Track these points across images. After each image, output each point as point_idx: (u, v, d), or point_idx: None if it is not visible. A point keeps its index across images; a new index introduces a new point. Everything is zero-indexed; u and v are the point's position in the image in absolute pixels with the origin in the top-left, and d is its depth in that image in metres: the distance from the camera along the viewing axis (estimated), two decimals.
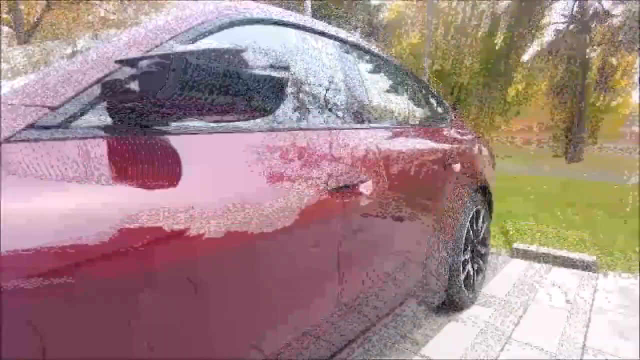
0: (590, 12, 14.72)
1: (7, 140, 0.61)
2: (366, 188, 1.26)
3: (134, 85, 0.73)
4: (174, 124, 0.82)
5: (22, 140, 0.63)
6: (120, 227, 0.66)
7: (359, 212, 1.25)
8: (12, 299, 0.53)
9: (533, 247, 3.27)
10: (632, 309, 2.30)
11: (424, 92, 2.23)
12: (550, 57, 15.06)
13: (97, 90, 0.73)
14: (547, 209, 5.41)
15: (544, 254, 3.16)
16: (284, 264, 0.99)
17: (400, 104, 1.91)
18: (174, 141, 0.81)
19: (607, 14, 14.43)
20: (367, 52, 1.69)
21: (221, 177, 0.87)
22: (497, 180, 2.82)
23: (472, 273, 2.31)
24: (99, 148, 0.71)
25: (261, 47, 1.10)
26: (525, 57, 16.26)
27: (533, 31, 15.22)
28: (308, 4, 7.31)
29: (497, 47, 16.99)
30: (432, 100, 2.29)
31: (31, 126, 0.64)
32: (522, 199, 6.07)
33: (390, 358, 1.74)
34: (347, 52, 1.50)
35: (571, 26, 15.22)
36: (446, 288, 2.04)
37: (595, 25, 14.95)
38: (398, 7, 18.59)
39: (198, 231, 0.76)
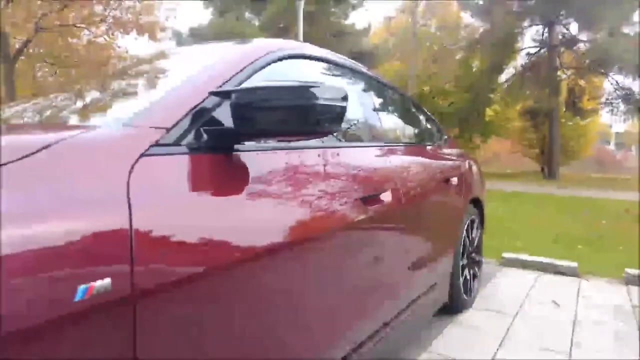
0: (560, 37, 15.64)
1: (142, 155, 0.78)
2: (389, 197, 1.47)
3: (224, 112, 0.92)
4: (255, 144, 1.02)
5: (150, 155, 0.80)
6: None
7: (385, 216, 1.45)
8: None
9: (522, 256, 3.51)
10: (612, 308, 2.54)
11: (425, 117, 2.48)
12: (523, 80, 15.83)
13: (194, 114, 0.92)
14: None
15: (531, 261, 3.41)
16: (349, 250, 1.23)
17: (409, 127, 2.15)
18: (257, 156, 1.01)
19: (575, 39, 15.35)
20: (380, 83, 1.93)
21: (302, 183, 1.09)
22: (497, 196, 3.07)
23: (469, 278, 2.51)
24: (203, 162, 0.89)
25: (325, 81, 1.30)
26: (502, 79, 17.02)
27: (507, 56, 16.01)
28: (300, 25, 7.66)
29: (474, 70, 17.79)
30: (431, 124, 2.54)
31: (155, 144, 0.82)
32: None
33: (400, 358, 1.91)
34: (367, 84, 1.74)
35: (542, 50, 16.09)
36: (449, 291, 2.23)
37: (564, 50, 15.86)
38: (381, 32, 19.34)
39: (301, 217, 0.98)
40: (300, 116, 0.87)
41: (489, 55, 15.79)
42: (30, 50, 13.71)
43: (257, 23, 15.52)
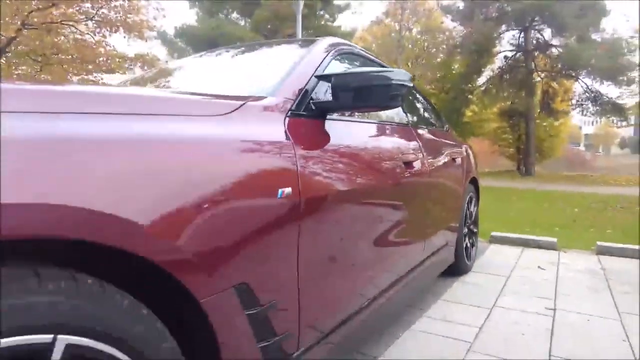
0: (534, 42, 16.50)
1: (286, 115, 1.14)
2: (415, 165, 1.87)
3: (320, 91, 1.29)
4: (338, 115, 1.39)
5: (288, 116, 1.16)
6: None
7: (412, 180, 1.85)
8: None
9: (508, 234, 3.98)
10: (586, 270, 3.01)
11: (432, 107, 2.91)
12: (501, 82, 16.63)
13: (305, 91, 1.28)
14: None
15: (517, 238, 3.88)
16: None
17: (426, 113, 2.56)
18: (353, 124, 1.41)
19: (548, 44, 16.24)
20: None
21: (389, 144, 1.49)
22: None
23: (468, 246, 2.94)
24: (312, 124, 1.26)
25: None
26: (481, 81, 17.80)
27: (485, 58, 16.78)
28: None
29: (454, 72, 18.53)
30: (437, 113, 2.97)
31: (289, 109, 1.18)
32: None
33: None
34: None
35: (518, 54, 16.95)
36: (455, 252, 2.65)
37: (538, 54, 16.75)
38: (366, 35, 19.89)
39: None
40: (379, 92, 1.24)
41: (469, 58, 16.51)
42: (14, 48, 13.56)
43: (243, 23, 15.78)
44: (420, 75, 20.54)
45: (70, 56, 13.62)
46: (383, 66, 2.14)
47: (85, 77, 15.22)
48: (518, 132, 18.90)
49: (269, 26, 14.01)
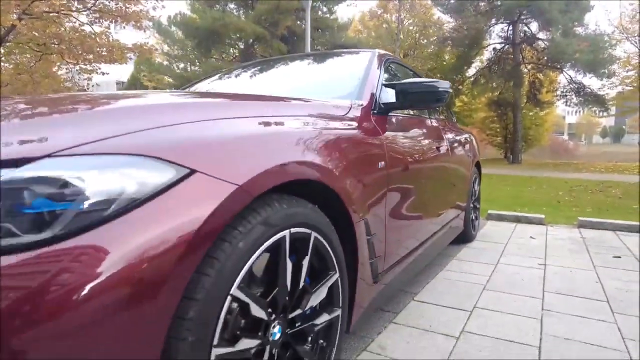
0: (522, 35, 17.16)
1: (372, 113, 1.66)
2: (442, 149, 2.41)
3: (391, 96, 1.81)
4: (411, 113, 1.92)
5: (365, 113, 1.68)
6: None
7: (443, 160, 2.39)
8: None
9: (502, 212, 4.58)
10: (569, 239, 3.62)
11: (446, 104, 3.46)
12: (490, 73, 17.30)
13: (372, 94, 1.79)
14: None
15: (510, 215, 4.48)
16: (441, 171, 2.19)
17: (443, 110, 3.12)
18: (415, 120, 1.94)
19: (535, 37, 16.92)
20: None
21: (428, 134, 2.03)
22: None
23: (473, 218, 3.52)
24: (381, 119, 1.78)
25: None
26: (470, 72, 18.43)
27: (475, 50, 17.40)
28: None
29: (444, 63, 19.11)
30: (449, 108, 3.51)
31: (364, 107, 1.70)
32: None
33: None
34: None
35: (506, 46, 17.59)
36: (464, 222, 3.22)
37: (526, 46, 17.43)
38: (356, 26, 20.28)
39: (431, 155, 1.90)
40: (430, 96, 1.77)
41: (459, 50, 17.10)
42: (14, 37, 13.62)
43: (242, 15, 16.02)
44: (413, 66, 21.06)
45: (70, 45, 13.75)
46: (414, 71, 2.67)
47: (84, 66, 15.37)
48: (505, 121, 19.65)
49: (264, 18, 14.33)
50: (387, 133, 1.69)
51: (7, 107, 0.83)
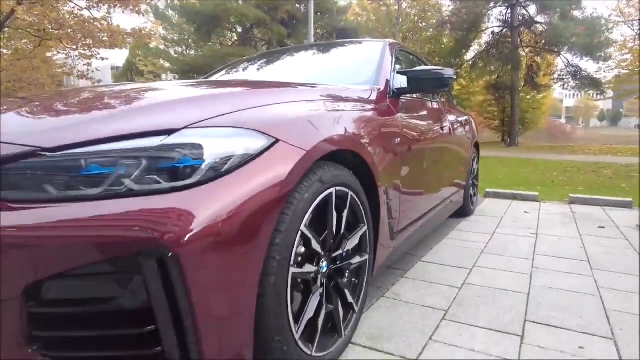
0: (520, 18, 17.26)
1: (388, 97, 1.94)
2: (445, 129, 2.69)
3: (404, 82, 2.09)
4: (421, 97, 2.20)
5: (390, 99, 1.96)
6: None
7: (446, 140, 2.68)
8: None
9: (499, 190, 4.89)
10: (560, 213, 3.94)
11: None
12: (489, 56, 17.44)
13: (387, 81, 2.07)
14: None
15: (506, 193, 4.80)
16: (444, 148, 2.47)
17: (446, 93, 3.39)
18: (421, 103, 2.22)
19: (533, 21, 17.03)
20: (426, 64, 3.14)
21: (432, 115, 2.31)
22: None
23: (472, 195, 3.82)
24: (394, 102, 2.06)
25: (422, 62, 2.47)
26: (469, 56, 18.56)
27: (474, 34, 17.52)
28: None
29: (443, 47, 19.21)
30: (450, 92, 3.78)
31: (379, 93, 1.97)
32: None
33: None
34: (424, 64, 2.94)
35: (505, 30, 17.70)
36: (464, 197, 3.53)
37: (524, 29, 17.54)
38: (355, 9, 20.27)
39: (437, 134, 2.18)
40: (437, 82, 2.04)
41: (458, 34, 17.20)
42: (13, 22, 13.64)
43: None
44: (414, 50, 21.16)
45: (70, 30, 13.80)
46: (419, 58, 2.94)
47: (83, 52, 15.43)
48: (503, 105, 19.86)
49: (265, 2, 14.37)
50: (399, 114, 1.97)
51: (141, 92, 1.11)
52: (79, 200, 0.86)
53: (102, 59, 15.86)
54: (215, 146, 0.94)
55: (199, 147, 0.92)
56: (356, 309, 1.45)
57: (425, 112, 2.45)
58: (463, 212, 3.66)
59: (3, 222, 0.83)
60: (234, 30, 17.98)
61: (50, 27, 13.88)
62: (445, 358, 1.39)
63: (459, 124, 3.21)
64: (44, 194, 0.86)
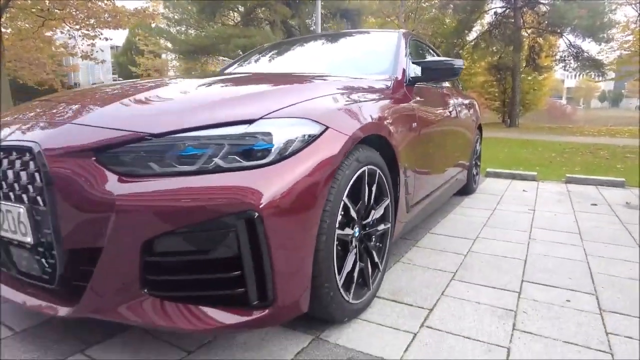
0: None
1: (405, 85, 2.18)
2: (452, 113, 2.93)
3: (416, 70, 2.32)
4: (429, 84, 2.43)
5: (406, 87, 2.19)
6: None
7: (452, 123, 2.92)
8: None
9: (499, 170, 5.15)
10: (557, 192, 4.21)
11: None
12: (490, 37, 17.43)
13: (404, 70, 2.30)
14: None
15: (506, 172, 5.06)
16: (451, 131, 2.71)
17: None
18: (431, 89, 2.46)
19: (536, 1, 16.95)
20: (437, 53, 3.35)
21: (441, 100, 2.55)
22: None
23: (474, 174, 4.09)
24: (410, 89, 2.29)
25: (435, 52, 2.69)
26: (471, 37, 18.53)
27: (476, 14, 17.45)
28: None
29: (445, 27, 19.15)
30: None
31: (396, 81, 2.21)
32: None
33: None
34: (434, 53, 3.15)
35: (507, 10, 17.63)
36: (467, 176, 3.79)
37: (527, 10, 17.47)
38: None
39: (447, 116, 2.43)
40: (447, 71, 2.27)
41: (460, 14, 17.15)
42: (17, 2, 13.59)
43: None
44: (413, 30, 21.13)
45: (74, 10, 13.77)
46: (430, 46, 3.16)
47: (86, 32, 15.41)
48: (504, 85, 19.91)
49: None
50: (414, 100, 2.21)
51: (225, 84, 1.36)
52: (178, 175, 1.11)
53: (106, 39, 15.92)
54: (282, 133, 1.19)
55: (269, 134, 1.17)
56: (381, 267, 1.73)
57: (435, 98, 2.68)
58: (466, 190, 3.92)
59: (121, 191, 1.08)
60: (237, 10, 17.88)
61: (53, 6, 13.85)
62: (455, 308, 1.67)
63: (464, 108, 3.45)
64: (150, 170, 1.12)
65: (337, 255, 1.37)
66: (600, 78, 18.39)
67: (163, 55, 34.75)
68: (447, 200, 3.50)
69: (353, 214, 1.46)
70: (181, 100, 1.35)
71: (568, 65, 17.26)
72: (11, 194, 1.20)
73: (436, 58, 2.34)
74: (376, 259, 1.68)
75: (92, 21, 14.70)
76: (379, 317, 1.59)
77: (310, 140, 1.23)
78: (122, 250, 1.09)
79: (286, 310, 1.21)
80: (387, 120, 1.73)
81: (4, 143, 1.23)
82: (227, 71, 2.87)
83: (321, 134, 1.27)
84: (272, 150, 1.16)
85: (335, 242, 1.33)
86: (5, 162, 1.22)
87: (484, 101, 21.85)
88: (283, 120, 1.22)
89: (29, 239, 1.18)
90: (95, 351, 1.35)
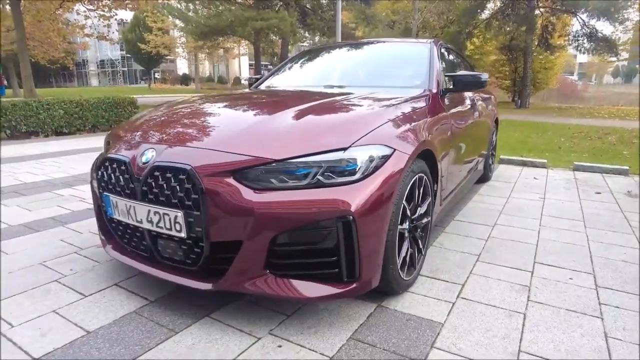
0: None
1: (439, 96, 2.58)
2: (476, 114, 3.32)
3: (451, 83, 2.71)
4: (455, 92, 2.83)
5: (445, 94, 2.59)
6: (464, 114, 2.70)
7: (476, 122, 3.32)
8: None
9: (511, 157, 5.55)
10: (564, 179, 4.62)
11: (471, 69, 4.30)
12: (504, 17, 17.36)
13: (438, 81, 2.69)
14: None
15: (518, 160, 5.46)
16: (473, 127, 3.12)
17: None
18: (458, 96, 2.88)
19: None
20: (464, 58, 3.70)
21: (467, 104, 2.98)
22: None
23: (490, 163, 4.50)
24: (442, 98, 2.68)
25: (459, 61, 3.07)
26: (484, 16, 18.43)
27: None
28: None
29: (457, 6, 19.03)
30: None
31: (429, 92, 2.60)
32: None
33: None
34: (462, 59, 3.51)
35: None
36: (484, 165, 4.21)
37: None
38: None
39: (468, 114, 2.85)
40: (476, 82, 2.66)
41: None
42: None
43: None
44: (425, 7, 21.02)
45: None
46: (458, 53, 3.53)
47: (102, 12, 15.62)
48: (515, 64, 19.92)
49: None
50: (447, 109, 2.62)
51: (310, 113, 1.80)
52: (294, 189, 1.55)
53: (122, 20, 16.15)
54: (364, 156, 1.62)
55: (355, 158, 1.60)
56: (423, 252, 2.19)
57: (462, 103, 3.07)
58: (483, 178, 4.35)
59: (258, 199, 1.53)
60: None
61: None
62: (482, 283, 2.13)
63: (484, 104, 3.83)
64: (270, 184, 1.56)
65: (397, 244, 1.83)
66: (614, 58, 18.32)
67: (171, 32, 34.68)
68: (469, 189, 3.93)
69: (408, 212, 1.90)
70: (287, 130, 1.77)
71: (581, 46, 17.22)
72: (168, 201, 1.65)
73: (465, 72, 2.72)
74: (420, 246, 2.13)
75: (108, 1, 14.91)
76: (424, 290, 2.06)
77: (384, 161, 1.67)
78: (256, 242, 1.55)
79: (366, 285, 1.67)
80: (432, 135, 2.15)
81: (157, 163, 1.67)
82: (274, 80, 3.29)
83: (391, 155, 1.70)
84: (357, 170, 1.59)
85: (397, 234, 1.78)
86: (160, 178, 1.66)
87: (495, 80, 21.85)
88: (365, 146, 1.65)
89: (182, 235, 1.64)
90: (218, 315, 1.83)
